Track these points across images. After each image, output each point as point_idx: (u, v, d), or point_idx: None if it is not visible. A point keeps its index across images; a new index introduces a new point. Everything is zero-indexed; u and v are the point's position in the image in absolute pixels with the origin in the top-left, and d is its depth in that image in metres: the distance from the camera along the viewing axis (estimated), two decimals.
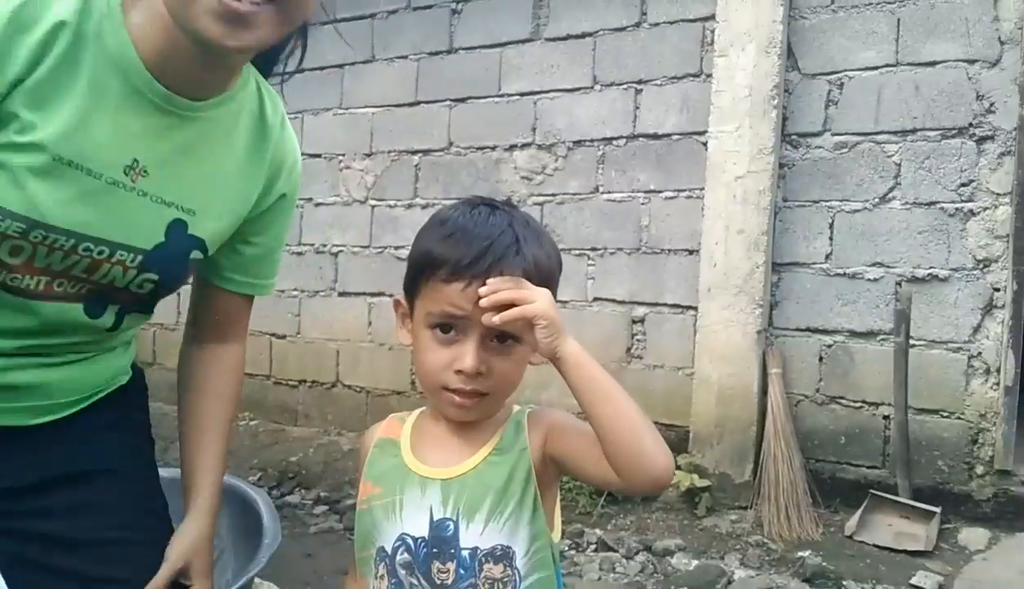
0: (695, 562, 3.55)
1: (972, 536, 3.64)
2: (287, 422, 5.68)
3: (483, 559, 1.14)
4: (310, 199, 5.56)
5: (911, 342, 3.78)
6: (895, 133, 3.93)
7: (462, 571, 1.14)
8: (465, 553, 1.14)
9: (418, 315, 1.20)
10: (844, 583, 3.30)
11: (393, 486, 1.21)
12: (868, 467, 4.00)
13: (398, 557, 1.17)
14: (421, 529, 1.17)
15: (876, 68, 3.96)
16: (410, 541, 1.17)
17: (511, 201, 1.27)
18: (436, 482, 1.18)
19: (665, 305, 4.42)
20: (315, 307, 5.61)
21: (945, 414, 3.87)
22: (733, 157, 4.10)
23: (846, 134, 4.03)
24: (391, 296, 5.16)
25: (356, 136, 5.43)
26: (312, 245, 5.61)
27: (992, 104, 3.75)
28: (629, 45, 4.51)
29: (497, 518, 1.15)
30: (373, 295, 5.36)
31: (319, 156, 5.52)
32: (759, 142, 4.05)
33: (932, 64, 3.85)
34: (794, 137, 4.13)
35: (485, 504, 1.15)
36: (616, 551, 3.67)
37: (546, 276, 1.17)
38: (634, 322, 4.51)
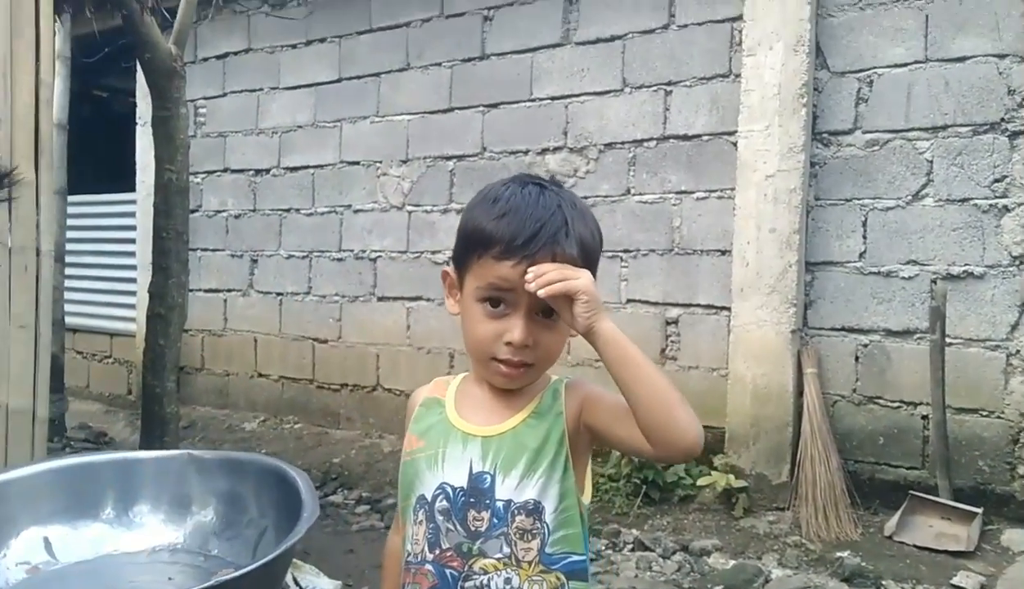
0: (732, 562, 3.56)
1: (1015, 537, 3.60)
2: (330, 425, 5.80)
3: (515, 511, 1.23)
4: (349, 205, 5.66)
5: (948, 340, 3.74)
6: (926, 130, 3.88)
7: (495, 520, 1.23)
8: (499, 504, 1.24)
9: (468, 288, 1.28)
10: (883, 582, 3.28)
11: (437, 440, 1.31)
12: (907, 468, 3.97)
13: (437, 504, 1.27)
14: (461, 480, 1.26)
15: (906, 65, 3.92)
16: (449, 490, 1.27)
17: (557, 180, 1.34)
18: (477, 438, 1.28)
19: (698, 306, 4.43)
20: (355, 312, 5.71)
21: (984, 413, 3.82)
22: (763, 156, 4.09)
23: (877, 131, 3.99)
24: (429, 301, 5.24)
25: (393, 143, 5.50)
26: (352, 251, 5.70)
27: None
28: (658, 47, 4.52)
29: (531, 475, 1.24)
30: (411, 299, 5.43)
31: (357, 163, 5.59)
32: (789, 140, 4.03)
33: (962, 60, 3.80)
34: (825, 135, 4.11)
35: (521, 461, 1.24)
36: (653, 551, 3.69)
37: (591, 255, 1.26)
38: (668, 323, 4.52)
